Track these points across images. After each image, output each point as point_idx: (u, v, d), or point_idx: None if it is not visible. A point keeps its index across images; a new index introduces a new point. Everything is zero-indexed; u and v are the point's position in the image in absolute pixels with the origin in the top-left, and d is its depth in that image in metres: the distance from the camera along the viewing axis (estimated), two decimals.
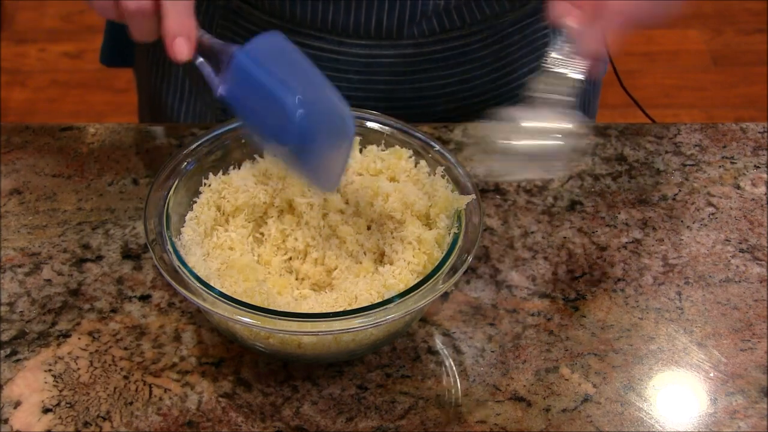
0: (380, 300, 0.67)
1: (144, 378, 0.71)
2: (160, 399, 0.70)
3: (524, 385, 0.71)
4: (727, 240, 0.82)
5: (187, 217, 0.73)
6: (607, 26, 0.71)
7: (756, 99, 2.26)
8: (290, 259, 0.73)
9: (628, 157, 0.89)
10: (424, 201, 0.73)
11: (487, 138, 0.72)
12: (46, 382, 0.70)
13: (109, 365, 0.72)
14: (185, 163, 0.74)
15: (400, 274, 0.69)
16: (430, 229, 0.72)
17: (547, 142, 0.71)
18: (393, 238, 0.72)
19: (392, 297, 0.66)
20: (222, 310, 0.65)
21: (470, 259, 0.68)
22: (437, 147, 0.76)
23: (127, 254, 0.79)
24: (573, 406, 0.70)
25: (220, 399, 0.70)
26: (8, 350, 0.72)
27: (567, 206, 0.84)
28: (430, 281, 0.67)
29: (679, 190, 0.86)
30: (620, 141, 0.91)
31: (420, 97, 0.95)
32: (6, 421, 0.68)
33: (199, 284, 0.66)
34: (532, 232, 0.82)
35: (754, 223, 0.83)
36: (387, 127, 0.77)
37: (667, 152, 0.90)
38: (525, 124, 0.71)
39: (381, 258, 0.72)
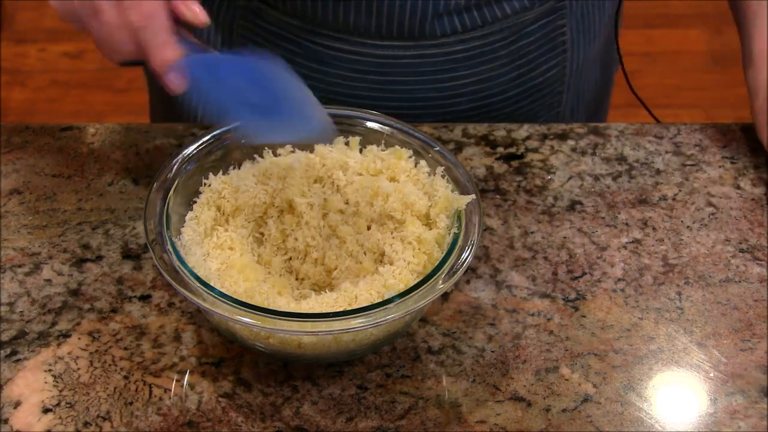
0: (380, 300, 0.67)
1: (144, 378, 0.71)
2: (160, 399, 0.70)
3: (524, 385, 0.71)
4: (727, 240, 0.82)
5: (187, 217, 0.73)
6: None
7: None
8: (290, 259, 0.73)
9: (628, 157, 0.89)
10: (424, 201, 0.73)
11: None
12: (46, 382, 0.70)
13: (109, 365, 0.72)
14: (185, 163, 0.74)
15: (400, 274, 0.69)
16: (430, 229, 0.72)
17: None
18: (393, 238, 0.72)
19: (392, 297, 0.66)
20: (222, 310, 0.65)
21: (470, 259, 0.68)
22: (437, 147, 0.76)
23: (127, 254, 0.79)
24: (573, 406, 0.70)
25: (220, 399, 0.70)
26: (8, 350, 0.72)
27: (567, 206, 0.84)
28: (430, 281, 0.67)
29: (679, 190, 0.86)
30: (620, 141, 0.91)
31: (440, 97, 0.95)
32: (6, 421, 0.68)
33: (199, 284, 0.66)
34: (532, 232, 0.82)
35: (754, 223, 0.83)
36: (387, 127, 0.77)
37: (667, 152, 0.90)
38: None
39: (381, 258, 0.72)
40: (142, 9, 0.69)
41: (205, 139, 0.76)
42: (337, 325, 0.64)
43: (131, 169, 0.87)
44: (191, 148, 0.75)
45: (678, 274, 0.79)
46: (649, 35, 2.37)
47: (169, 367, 0.72)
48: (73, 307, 0.75)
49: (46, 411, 0.69)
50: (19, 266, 0.78)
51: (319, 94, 0.96)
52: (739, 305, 0.77)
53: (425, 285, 0.66)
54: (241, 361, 0.72)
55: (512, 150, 0.89)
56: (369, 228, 0.74)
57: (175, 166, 0.73)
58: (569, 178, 0.87)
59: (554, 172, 0.87)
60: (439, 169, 0.74)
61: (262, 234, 0.75)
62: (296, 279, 0.73)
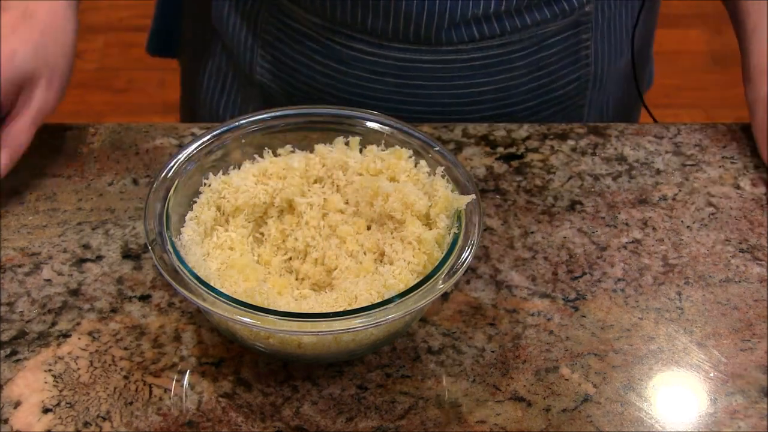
0: (380, 300, 0.67)
1: (144, 378, 0.71)
2: (160, 399, 0.70)
3: (524, 385, 0.71)
4: (727, 240, 0.82)
5: (186, 217, 0.73)
6: None
7: None
8: (290, 259, 0.73)
9: (628, 157, 0.89)
10: (424, 201, 0.73)
11: None
12: (46, 382, 0.70)
13: (109, 365, 0.72)
14: (185, 163, 0.74)
15: (400, 274, 0.69)
16: (430, 229, 0.72)
17: None
18: (393, 238, 0.72)
19: (392, 297, 0.66)
20: (222, 311, 0.65)
21: (470, 259, 0.68)
22: (437, 147, 0.76)
23: (127, 254, 0.79)
24: (573, 406, 0.70)
25: (220, 399, 0.70)
26: (8, 350, 0.72)
27: (567, 206, 0.84)
28: (430, 281, 0.67)
29: (679, 190, 0.86)
30: (620, 141, 0.91)
31: (459, 103, 0.95)
32: (6, 421, 0.68)
33: (198, 284, 0.66)
34: (532, 232, 0.82)
35: (754, 223, 0.83)
36: (387, 127, 0.77)
37: (667, 152, 0.90)
38: None
39: (381, 258, 0.72)
40: None
41: (205, 139, 0.76)
42: (337, 325, 0.64)
43: (131, 169, 0.87)
44: (191, 148, 0.75)
45: (678, 274, 0.79)
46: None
47: (169, 367, 0.72)
48: (73, 307, 0.75)
49: (46, 411, 0.69)
50: (19, 266, 0.78)
51: (338, 94, 0.96)
52: (739, 305, 0.77)
53: (425, 285, 0.66)
54: (241, 361, 0.72)
55: (512, 150, 0.89)
56: (369, 228, 0.74)
57: (175, 166, 0.73)
58: (569, 178, 0.87)
59: (554, 172, 0.87)
60: (439, 169, 0.74)
61: (262, 234, 0.75)
62: (296, 279, 0.73)
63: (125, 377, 0.71)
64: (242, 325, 0.65)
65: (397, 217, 0.72)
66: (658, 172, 0.88)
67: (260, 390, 0.70)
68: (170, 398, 0.70)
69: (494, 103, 0.95)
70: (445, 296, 0.76)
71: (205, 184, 0.75)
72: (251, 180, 0.75)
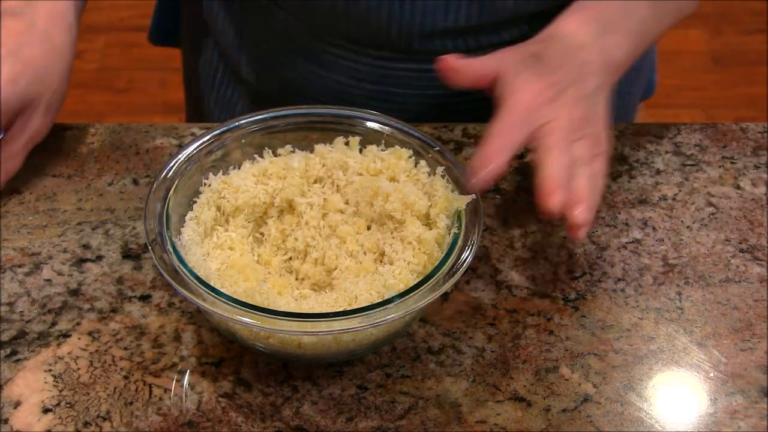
0: (380, 300, 0.67)
1: (144, 378, 0.71)
2: (160, 399, 0.70)
3: (524, 385, 0.71)
4: (727, 240, 0.82)
5: (187, 217, 0.73)
6: None
7: (756, 99, 2.26)
8: (290, 259, 0.74)
9: (628, 157, 0.89)
10: (424, 201, 0.73)
11: None
12: (46, 382, 0.70)
13: (109, 365, 0.72)
14: (185, 163, 0.74)
15: (400, 274, 0.69)
16: (430, 229, 0.72)
17: None
18: (393, 238, 0.72)
19: (392, 297, 0.66)
20: (222, 311, 0.65)
21: (470, 259, 0.68)
22: (437, 147, 0.76)
23: (127, 254, 0.79)
24: (573, 406, 0.70)
25: (220, 399, 0.70)
26: (8, 350, 0.72)
27: None
28: (430, 281, 0.67)
29: (679, 190, 0.86)
30: (620, 141, 0.91)
31: (438, 112, 0.95)
32: (6, 421, 0.68)
33: (198, 284, 0.66)
34: (532, 232, 0.82)
35: (754, 223, 0.83)
36: (387, 127, 0.77)
37: (667, 152, 0.90)
38: None
39: (381, 258, 0.72)
40: None
41: (205, 139, 0.76)
42: (337, 325, 0.64)
43: (131, 169, 0.87)
44: (191, 148, 0.75)
45: (678, 274, 0.79)
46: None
47: (169, 367, 0.72)
48: (73, 307, 0.75)
49: (46, 411, 0.69)
50: (19, 266, 0.78)
51: (320, 97, 0.96)
52: (739, 305, 0.77)
53: (425, 285, 0.66)
54: (241, 361, 0.72)
55: None
56: (369, 228, 0.74)
57: (175, 166, 0.73)
58: None
59: None
60: (439, 169, 0.74)
61: (262, 234, 0.75)
62: (296, 279, 0.73)
63: (125, 377, 0.71)
64: (242, 325, 0.65)
65: (397, 217, 0.72)
66: (658, 172, 0.88)
67: (260, 390, 0.70)
68: (170, 398, 0.70)
69: (474, 113, 0.94)
70: (445, 296, 0.76)
71: (205, 184, 0.75)
72: (251, 180, 0.75)
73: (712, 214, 0.84)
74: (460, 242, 0.69)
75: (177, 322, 0.74)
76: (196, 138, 0.76)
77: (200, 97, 1.09)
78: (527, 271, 0.79)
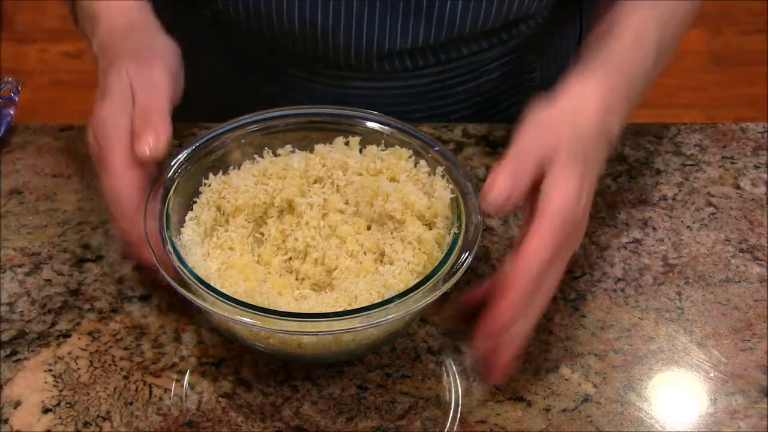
0: (380, 300, 0.67)
1: (144, 378, 0.71)
2: (160, 399, 0.70)
3: (524, 385, 0.71)
4: (727, 240, 0.82)
5: (187, 218, 0.73)
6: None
7: (756, 99, 2.26)
8: (290, 259, 0.73)
9: (628, 157, 0.89)
10: (424, 201, 0.73)
11: None
12: (46, 382, 0.70)
13: (109, 365, 0.72)
14: (185, 164, 0.74)
15: (400, 274, 0.69)
16: (430, 229, 0.72)
17: None
18: (393, 238, 0.72)
19: (392, 297, 0.66)
20: (222, 311, 0.65)
21: (470, 259, 0.68)
22: (437, 147, 0.76)
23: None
24: (573, 406, 0.70)
25: (220, 399, 0.70)
26: (8, 350, 0.72)
27: None
28: (430, 281, 0.67)
29: (679, 190, 0.86)
30: (620, 141, 0.91)
31: None
32: (6, 421, 0.68)
33: (199, 284, 0.66)
34: None
35: (754, 223, 0.83)
36: (387, 127, 0.77)
37: (667, 152, 0.90)
38: None
39: (381, 258, 0.72)
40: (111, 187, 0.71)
41: (205, 139, 0.76)
42: (337, 325, 0.64)
43: None
44: (191, 148, 0.75)
45: (678, 274, 0.79)
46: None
47: (169, 367, 0.72)
48: (73, 307, 0.75)
49: (46, 411, 0.69)
50: (19, 266, 0.78)
51: None
52: (739, 305, 0.77)
53: (425, 285, 0.66)
54: (241, 361, 0.72)
55: None
56: (369, 228, 0.74)
57: (175, 166, 0.73)
58: None
59: None
60: (439, 169, 0.74)
61: (262, 234, 0.75)
62: (296, 279, 0.73)
63: (125, 377, 0.71)
64: (242, 325, 0.65)
65: (397, 217, 0.72)
66: (658, 172, 0.88)
67: (260, 390, 0.70)
68: (170, 398, 0.70)
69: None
70: (445, 296, 0.76)
71: (205, 184, 0.75)
72: (251, 180, 0.75)
73: (712, 214, 0.84)
74: (460, 242, 0.69)
75: (177, 322, 0.74)
76: (196, 138, 0.76)
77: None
78: None
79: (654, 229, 0.83)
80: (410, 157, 0.76)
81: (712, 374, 0.72)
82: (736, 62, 2.42)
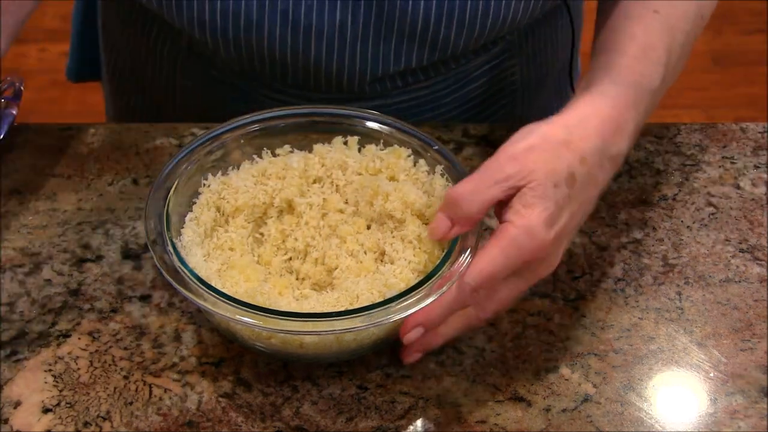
0: (381, 299, 0.67)
1: (144, 378, 0.71)
2: (160, 399, 0.70)
3: (524, 385, 0.71)
4: (727, 240, 0.82)
5: (186, 218, 0.73)
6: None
7: (756, 99, 2.26)
8: (290, 259, 0.73)
9: (628, 157, 0.89)
10: (424, 200, 0.73)
11: None
12: (46, 382, 0.70)
13: (109, 365, 0.72)
14: (185, 164, 0.74)
15: (401, 273, 0.69)
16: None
17: None
18: (393, 237, 0.72)
19: (393, 297, 0.66)
20: (223, 311, 0.65)
21: (470, 259, 0.68)
22: (436, 146, 0.76)
23: (127, 254, 0.79)
24: (573, 406, 0.70)
25: (220, 399, 0.70)
26: (8, 350, 0.72)
27: None
28: (431, 281, 0.67)
29: (679, 190, 0.86)
30: None
31: None
32: (6, 421, 0.68)
33: (199, 285, 0.66)
34: None
35: (754, 223, 0.83)
36: (386, 127, 0.77)
37: (667, 152, 0.90)
38: None
39: (381, 257, 0.72)
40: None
41: (204, 139, 0.76)
42: (339, 324, 0.64)
43: (131, 169, 0.87)
44: (191, 149, 0.75)
45: (678, 274, 0.79)
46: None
47: (169, 367, 0.72)
48: (73, 307, 0.75)
49: (46, 411, 0.69)
50: (19, 266, 0.78)
51: None
52: (739, 305, 0.77)
53: (426, 284, 0.66)
54: (241, 361, 0.72)
55: None
56: (369, 227, 0.74)
57: (175, 167, 0.73)
58: None
59: None
60: (438, 168, 0.74)
61: (261, 234, 0.75)
62: (297, 279, 0.73)
63: (125, 377, 0.71)
64: (244, 325, 0.65)
65: (397, 216, 0.72)
66: (658, 172, 0.88)
67: (260, 390, 0.70)
68: (170, 398, 0.70)
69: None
70: None
71: (204, 184, 0.75)
72: (250, 180, 0.75)
73: (712, 214, 0.84)
74: (459, 242, 0.69)
75: (177, 322, 0.74)
76: (196, 138, 0.76)
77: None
78: None
79: (654, 229, 0.83)
80: (409, 156, 0.76)
81: (712, 374, 0.72)
82: (736, 62, 2.41)
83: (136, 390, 0.70)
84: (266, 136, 0.77)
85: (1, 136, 0.86)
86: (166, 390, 0.70)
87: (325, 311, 0.67)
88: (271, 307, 0.66)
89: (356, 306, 0.67)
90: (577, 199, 0.69)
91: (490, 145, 0.89)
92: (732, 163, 0.89)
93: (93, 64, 1.12)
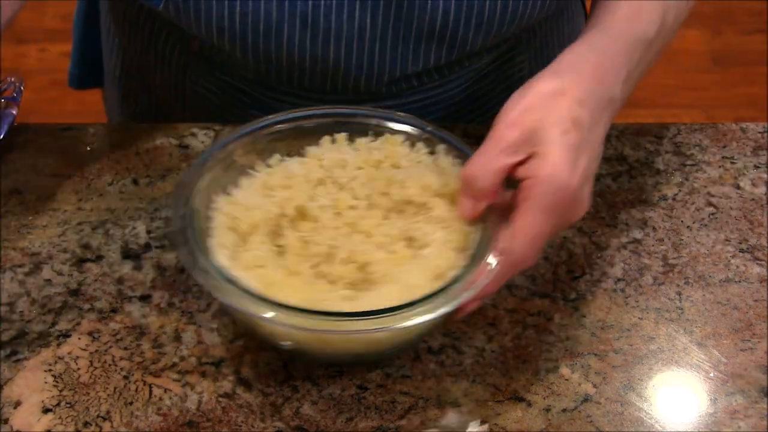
0: (442, 283, 0.66)
1: (144, 378, 0.71)
2: (160, 399, 0.70)
3: (524, 385, 0.71)
4: (727, 240, 0.82)
5: (209, 245, 0.70)
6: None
7: (756, 99, 2.26)
8: (317, 264, 0.71)
9: (628, 157, 0.89)
10: (439, 179, 0.73)
11: None
12: (46, 382, 0.70)
13: (109, 365, 0.72)
14: (198, 181, 0.72)
15: (444, 253, 0.69)
16: (455, 205, 0.72)
17: None
18: (419, 221, 0.71)
19: (461, 273, 0.66)
20: (287, 320, 0.64)
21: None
22: (428, 128, 0.76)
23: (127, 254, 0.79)
24: (573, 406, 0.70)
25: (220, 399, 0.70)
26: (8, 350, 0.72)
27: None
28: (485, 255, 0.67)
29: (679, 190, 0.86)
30: (620, 141, 0.91)
31: None
32: (6, 421, 0.68)
33: (259, 299, 0.65)
34: None
35: (754, 223, 0.84)
36: (373, 119, 0.77)
37: (667, 152, 0.90)
38: None
39: (410, 244, 0.71)
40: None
41: (195, 166, 0.74)
42: (421, 312, 0.64)
43: (131, 169, 0.87)
44: (202, 160, 0.73)
45: (678, 274, 0.79)
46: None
47: (169, 367, 0.72)
48: (73, 307, 0.75)
49: (46, 411, 0.69)
50: (19, 266, 0.78)
51: None
52: (739, 305, 0.77)
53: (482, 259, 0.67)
54: (241, 361, 0.72)
55: None
56: (387, 218, 0.73)
57: (189, 186, 0.72)
58: None
59: None
60: (440, 147, 0.74)
61: (278, 246, 0.72)
62: (329, 283, 0.70)
63: (125, 377, 0.71)
64: (317, 333, 0.64)
65: (418, 200, 0.72)
66: (658, 172, 0.88)
67: (260, 390, 0.70)
68: (170, 398, 0.70)
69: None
70: None
71: (212, 208, 0.73)
72: (257, 194, 0.73)
73: (712, 214, 0.84)
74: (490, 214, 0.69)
75: (177, 322, 0.74)
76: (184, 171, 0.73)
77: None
78: (527, 271, 0.78)
79: (654, 229, 0.83)
80: (404, 141, 0.76)
81: (712, 374, 0.72)
82: (736, 62, 2.42)
83: (136, 390, 0.70)
84: (253, 149, 0.76)
85: (1, 136, 0.86)
86: (166, 390, 0.70)
87: (392, 305, 0.65)
88: (338, 310, 0.65)
89: (414, 297, 0.65)
90: (588, 141, 0.69)
91: None
92: (732, 163, 0.89)
93: (96, 71, 1.12)
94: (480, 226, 0.69)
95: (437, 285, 0.66)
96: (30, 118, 0.92)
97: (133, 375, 0.71)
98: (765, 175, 0.88)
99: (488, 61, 0.93)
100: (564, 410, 0.70)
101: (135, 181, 0.85)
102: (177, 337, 0.73)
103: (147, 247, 0.80)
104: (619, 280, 0.78)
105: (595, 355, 0.73)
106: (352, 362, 0.72)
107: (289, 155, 0.77)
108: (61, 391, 0.70)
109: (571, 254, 0.80)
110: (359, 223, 0.72)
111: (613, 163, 0.88)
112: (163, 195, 0.84)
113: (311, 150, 0.76)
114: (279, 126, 0.77)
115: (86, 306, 0.75)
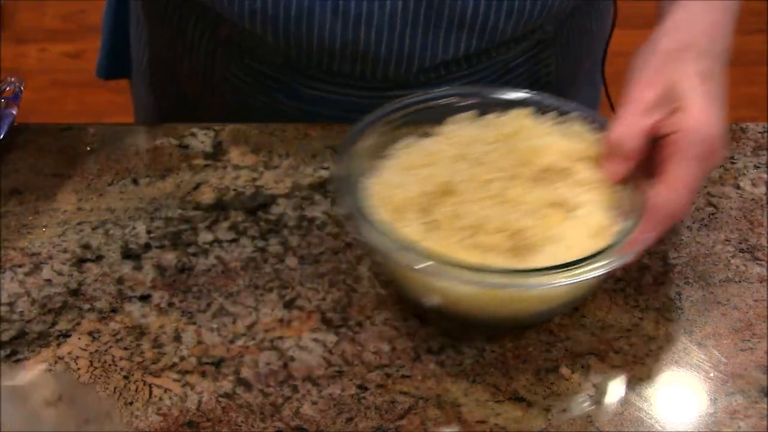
0: (598, 242, 0.68)
1: (144, 378, 0.71)
2: (160, 399, 0.70)
3: (524, 385, 0.71)
4: (727, 240, 0.82)
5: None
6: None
7: (756, 99, 2.26)
8: (471, 235, 0.71)
9: None
10: (578, 144, 0.74)
11: None
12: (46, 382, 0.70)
13: (109, 365, 0.72)
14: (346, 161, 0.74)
15: (596, 213, 0.71)
16: (598, 169, 0.74)
17: None
18: (565, 186, 0.73)
19: (624, 228, 0.68)
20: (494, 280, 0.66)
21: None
22: (551, 98, 0.78)
23: (127, 254, 0.79)
24: (573, 406, 0.70)
25: (220, 399, 0.70)
26: (8, 350, 0.72)
27: None
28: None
29: None
30: None
31: None
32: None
33: (448, 265, 0.66)
34: None
35: (754, 223, 0.84)
36: (496, 96, 0.79)
37: None
38: None
39: (560, 208, 0.72)
40: None
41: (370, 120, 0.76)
42: (597, 268, 0.66)
43: (131, 169, 0.87)
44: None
45: (678, 274, 0.79)
46: (649, 35, 2.37)
47: (169, 367, 0.72)
48: (73, 307, 0.75)
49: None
50: (19, 266, 0.78)
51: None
52: (739, 305, 0.77)
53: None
54: (241, 361, 0.72)
55: None
56: (532, 186, 0.74)
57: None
58: None
59: None
60: (573, 114, 0.76)
61: (429, 222, 0.72)
62: (483, 252, 0.70)
63: (125, 377, 0.71)
64: (522, 288, 0.67)
65: (559, 166, 0.73)
66: None
67: (260, 390, 0.70)
68: (170, 398, 0.70)
69: None
70: None
71: (362, 188, 0.73)
72: (403, 174, 0.75)
73: (712, 214, 0.84)
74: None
75: (177, 322, 0.74)
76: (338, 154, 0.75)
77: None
78: None
79: None
80: (531, 114, 0.78)
81: (712, 374, 0.72)
82: (736, 62, 2.41)
83: (136, 390, 0.70)
84: (381, 138, 0.77)
85: (1, 136, 0.86)
86: (166, 390, 0.70)
87: (565, 261, 0.67)
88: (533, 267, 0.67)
89: (577, 256, 0.67)
90: (718, 90, 0.73)
91: None
92: (732, 163, 0.89)
93: (123, 63, 1.13)
94: (626, 186, 0.71)
95: (596, 244, 0.68)
96: (30, 118, 0.92)
97: (133, 375, 0.71)
98: (765, 175, 0.88)
99: (516, 54, 0.93)
100: (564, 410, 0.70)
101: (135, 181, 0.85)
102: (177, 337, 0.73)
103: (147, 247, 0.80)
104: (619, 280, 0.78)
105: (595, 355, 0.73)
106: (497, 326, 0.73)
107: (422, 136, 0.78)
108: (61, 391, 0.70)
109: None
110: (505, 193, 0.72)
111: None
112: (163, 195, 0.84)
113: (443, 129, 0.77)
114: (407, 109, 0.78)
115: (86, 306, 0.75)
